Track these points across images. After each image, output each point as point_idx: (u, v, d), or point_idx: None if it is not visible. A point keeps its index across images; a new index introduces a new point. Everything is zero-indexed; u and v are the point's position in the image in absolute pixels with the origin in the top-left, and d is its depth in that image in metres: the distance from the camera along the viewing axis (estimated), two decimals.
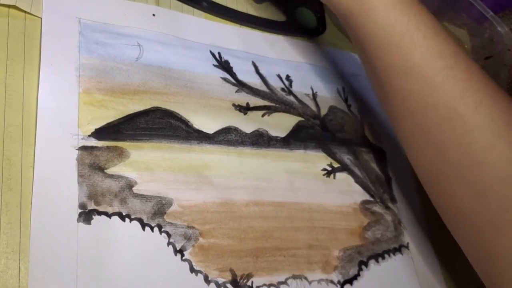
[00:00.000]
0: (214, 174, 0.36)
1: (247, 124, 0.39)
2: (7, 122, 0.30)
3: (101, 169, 0.31)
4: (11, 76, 0.31)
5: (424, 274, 0.41)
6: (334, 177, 0.42)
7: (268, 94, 0.42)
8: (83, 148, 0.31)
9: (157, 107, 0.36)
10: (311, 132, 0.42)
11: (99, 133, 0.32)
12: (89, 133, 0.32)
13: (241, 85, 0.41)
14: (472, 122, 0.33)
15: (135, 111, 0.35)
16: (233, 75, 0.41)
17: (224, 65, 0.41)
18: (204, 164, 0.36)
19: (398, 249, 0.41)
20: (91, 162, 0.31)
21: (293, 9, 0.48)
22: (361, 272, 0.38)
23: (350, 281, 0.37)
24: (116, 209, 0.31)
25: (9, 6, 0.33)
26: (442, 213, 0.37)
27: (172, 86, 0.37)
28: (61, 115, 0.31)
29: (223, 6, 0.44)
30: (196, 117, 0.37)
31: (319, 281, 0.36)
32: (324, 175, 0.41)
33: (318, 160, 0.42)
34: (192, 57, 0.39)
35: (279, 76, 0.43)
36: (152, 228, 0.32)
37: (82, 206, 0.30)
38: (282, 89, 0.43)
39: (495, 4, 0.56)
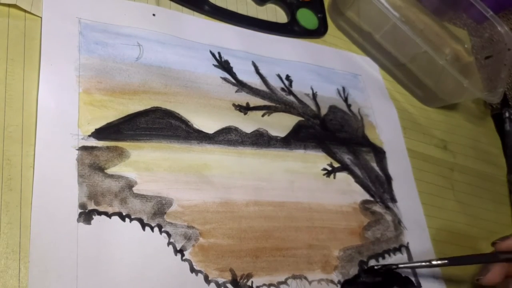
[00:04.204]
0: (214, 174, 0.36)
1: (247, 124, 0.39)
2: (7, 122, 0.30)
3: (101, 169, 0.31)
4: (11, 76, 0.31)
5: (424, 274, 0.41)
6: (334, 177, 0.42)
7: (268, 94, 0.42)
8: (83, 148, 0.31)
9: (157, 107, 0.36)
10: (311, 132, 0.42)
11: (99, 133, 0.32)
12: (89, 133, 0.32)
13: (241, 85, 0.41)
14: None
15: (135, 111, 0.35)
16: (233, 75, 0.41)
17: (224, 65, 0.41)
18: (204, 164, 0.36)
19: (398, 249, 0.41)
20: (91, 162, 0.31)
21: (295, 11, 0.48)
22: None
23: (350, 281, 0.37)
24: (116, 209, 0.31)
25: (9, 6, 0.33)
26: None
27: (172, 86, 0.37)
28: (61, 115, 0.31)
29: (225, 10, 0.44)
30: (196, 117, 0.37)
31: (319, 281, 0.36)
32: (324, 175, 0.41)
33: (318, 160, 0.42)
34: (192, 57, 0.39)
35: (279, 76, 0.43)
36: (152, 228, 0.32)
37: (82, 206, 0.30)
38: (282, 89, 0.43)
39: (495, 4, 0.56)
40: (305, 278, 0.36)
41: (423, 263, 0.37)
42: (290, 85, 0.44)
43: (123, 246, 0.30)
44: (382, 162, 0.45)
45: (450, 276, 0.43)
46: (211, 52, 0.41)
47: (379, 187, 0.44)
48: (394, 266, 0.38)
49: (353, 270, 0.38)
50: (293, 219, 0.37)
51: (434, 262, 0.37)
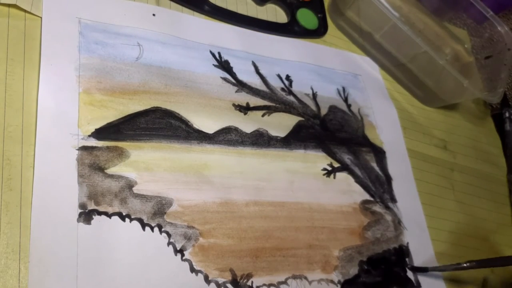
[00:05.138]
0: (214, 174, 0.36)
1: (247, 124, 0.39)
2: (7, 122, 0.30)
3: (101, 169, 0.31)
4: (11, 76, 0.31)
5: (424, 274, 0.41)
6: (334, 177, 0.42)
7: (268, 94, 0.42)
8: (83, 148, 0.31)
9: (157, 107, 0.36)
10: (311, 132, 0.42)
11: (99, 133, 0.32)
12: (89, 133, 0.32)
13: (241, 85, 0.41)
14: None
15: (135, 111, 0.35)
16: (233, 75, 0.41)
17: (224, 65, 0.41)
18: (204, 164, 0.36)
19: (398, 249, 0.41)
20: (91, 162, 0.31)
21: (295, 11, 0.48)
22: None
23: (350, 281, 0.37)
24: (116, 209, 0.31)
25: (9, 6, 0.33)
26: None
27: (172, 86, 0.37)
28: (61, 115, 0.31)
29: (225, 10, 0.44)
30: (196, 117, 0.37)
31: (319, 281, 0.36)
32: (324, 175, 0.41)
33: (318, 160, 0.42)
34: (192, 57, 0.39)
35: (279, 76, 0.43)
36: (152, 228, 0.32)
37: (82, 206, 0.30)
38: (282, 89, 0.43)
39: (495, 4, 0.56)
40: (305, 278, 0.36)
41: (454, 266, 0.39)
42: (290, 85, 0.44)
43: (123, 246, 0.30)
44: (382, 162, 0.45)
45: (449, 276, 0.43)
46: (211, 52, 0.41)
47: (379, 187, 0.44)
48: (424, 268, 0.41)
49: (353, 270, 0.38)
50: (293, 219, 0.37)
51: (464, 265, 0.39)
